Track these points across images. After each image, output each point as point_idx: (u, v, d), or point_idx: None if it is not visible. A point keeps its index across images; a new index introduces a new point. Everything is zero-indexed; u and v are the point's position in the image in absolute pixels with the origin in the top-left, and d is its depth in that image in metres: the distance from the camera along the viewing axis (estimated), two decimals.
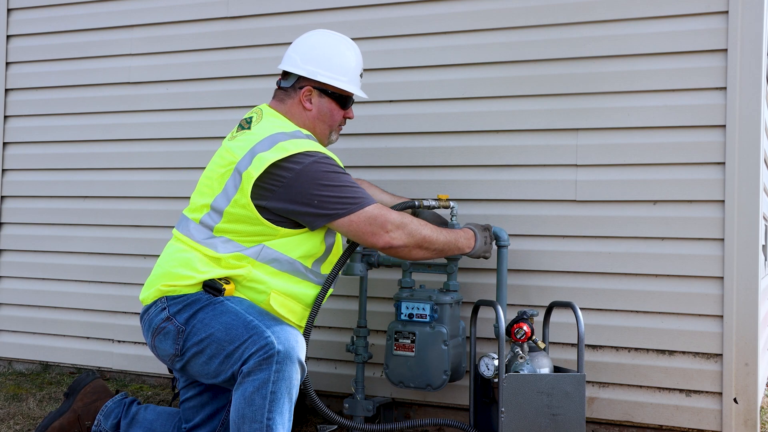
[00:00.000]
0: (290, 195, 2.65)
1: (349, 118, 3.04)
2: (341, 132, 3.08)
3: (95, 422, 2.97)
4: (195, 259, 2.70)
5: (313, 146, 2.73)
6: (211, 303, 2.63)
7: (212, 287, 2.65)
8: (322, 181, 2.66)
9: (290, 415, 2.53)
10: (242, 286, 2.69)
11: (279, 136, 2.71)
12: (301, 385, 3.31)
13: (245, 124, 2.84)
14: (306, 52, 2.92)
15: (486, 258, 3.05)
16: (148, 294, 2.75)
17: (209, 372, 2.62)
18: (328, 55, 2.92)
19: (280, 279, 2.71)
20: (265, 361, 2.45)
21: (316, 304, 2.82)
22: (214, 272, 2.66)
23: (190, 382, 2.90)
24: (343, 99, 2.95)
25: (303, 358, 2.55)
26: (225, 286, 2.65)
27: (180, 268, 2.71)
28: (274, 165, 2.64)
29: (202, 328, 2.59)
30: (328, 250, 2.82)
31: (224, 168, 2.73)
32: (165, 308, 2.68)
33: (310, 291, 2.80)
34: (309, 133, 2.87)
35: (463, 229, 2.97)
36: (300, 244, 2.72)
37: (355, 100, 3.04)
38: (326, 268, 2.85)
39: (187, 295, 2.67)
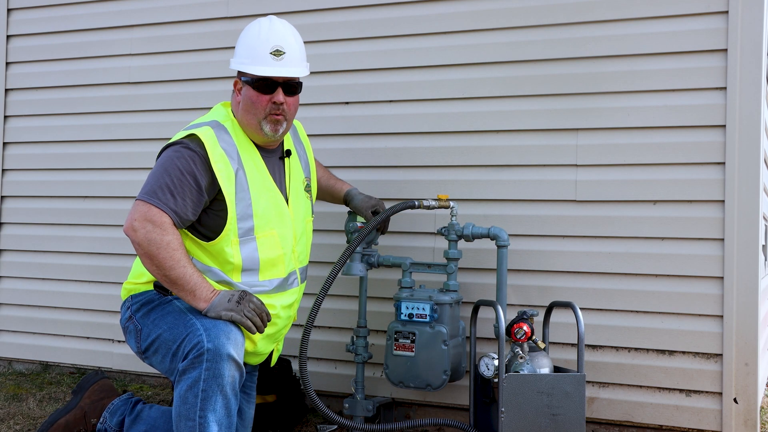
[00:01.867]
0: None
1: (277, 102, 2.74)
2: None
3: (101, 419, 2.99)
4: None
5: (187, 134, 2.66)
6: (161, 303, 2.69)
7: (159, 286, 2.70)
8: (154, 167, 2.66)
9: (227, 411, 2.52)
10: None
11: (180, 132, 2.73)
12: (300, 385, 3.32)
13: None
14: (237, 40, 2.86)
15: (239, 322, 2.57)
16: (121, 292, 2.85)
17: (166, 370, 2.68)
18: (241, 40, 2.82)
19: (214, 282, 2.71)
20: (197, 359, 2.48)
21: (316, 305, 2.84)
22: None
23: None
24: (262, 83, 2.72)
25: (235, 354, 2.52)
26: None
27: (139, 266, 2.77)
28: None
29: (153, 329, 2.65)
30: (248, 262, 2.70)
31: None
32: (129, 307, 2.76)
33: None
34: (223, 121, 2.75)
35: (212, 291, 2.61)
36: (206, 254, 2.69)
37: (287, 81, 2.76)
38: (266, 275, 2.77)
39: (144, 294, 2.74)
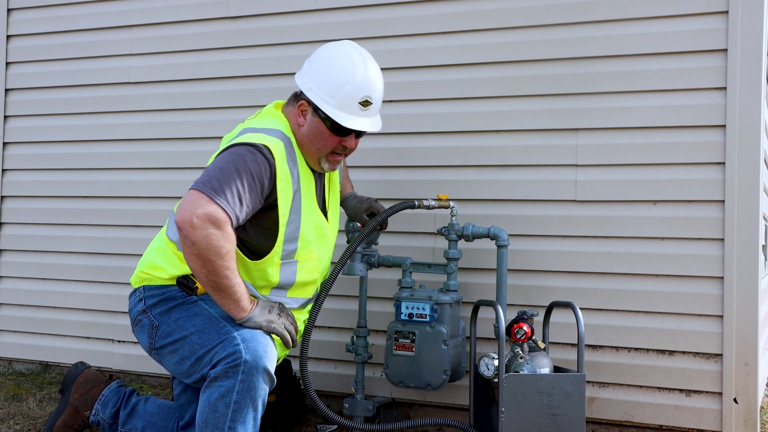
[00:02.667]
0: None
1: (348, 147, 2.71)
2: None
3: (93, 411, 2.95)
4: (172, 253, 2.65)
5: (260, 141, 2.50)
6: (186, 302, 2.60)
7: (185, 285, 2.59)
8: (220, 159, 2.49)
9: (255, 423, 2.49)
10: None
11: (251, 130, 2.57)
12: (300, 385, 3.32)
13: (246, 119, 2.80)
14: (314, 62, 2.69)
15: (279, 334, 2.57)
16: (133, 277, 2.74)
17: (181, 371, 2.61)
18: (328, 71, 2.63)
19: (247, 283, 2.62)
20: (232, 369, 2.42)
21: (317, 305, 2.83)
22: (187, 268, 2.59)
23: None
24: (337, 124, 2.62)
25: (272, 368, 2.50)
26: (198, 284, 2.57)
27: (159, 258, 2.67)
28: (223, 149, 2.54)
29: (176, 329, 2.57)
30: (284, 282, 2.65)
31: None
32: (142, 299, 2.66)
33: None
34: (291, 137, 2.64)
35: (252, 300, 2.56)
36: (245, 269, 2.60)
37: (362, 132, 2.71)
38: (294, 292, 2.72)
39: (163, 288, 2.63)
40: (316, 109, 2.62)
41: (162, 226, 4.06)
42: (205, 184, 2.39)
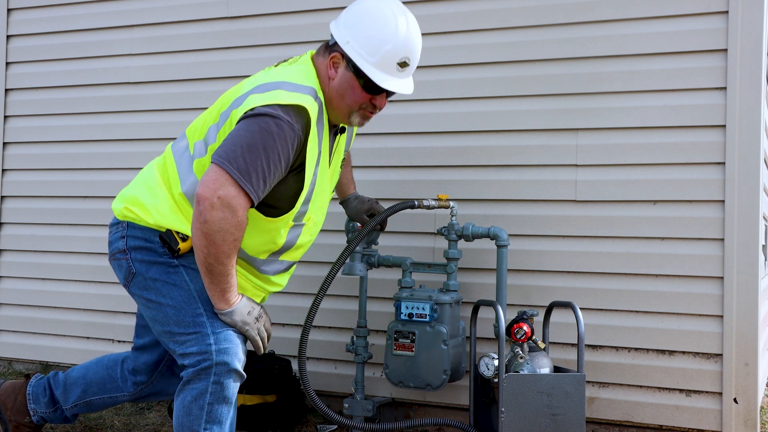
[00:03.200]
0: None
1: (378, 106, 2.60)
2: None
3: (31, 413, 2.92)
4: (163, 197, 2.55)
5: (293, 103, 2.38)
6: (167, 264, 2.51)
7: (168, 243, 2.49)
8: (247, 132, 2.36)
9: (231, 419, 2.50)
10: None
11: (285, 85, 2.42)
12: (301, 385, 3.32)
13: (278, 62, 2.65)
14: (354, 14, 2.54)
15: (250, 337, 2.52)
16: (115, 207, 2.63)
17: (151, 326, 2.59)
18: (369, 26, 2.49)
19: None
20: (204, 371, 2.42)
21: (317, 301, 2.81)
22: (174, 220, 2.52)
23: None
24: (371, 82, 2.51)
25: (241, 368, 2.48)
26: (181, 244, 2.49)
27: (147, 197, 2.56)
28: (251, 110, 2.39)
29: (153, 289, 2.52)
30: (287, 245, 2.59)
31: (229, 97, 2.53)
32: (124, 237, 2.56)
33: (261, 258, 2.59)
34: (321, 96, 2.52)
35: (237, 294, 2.49)
36: (254, 229, 2.50)
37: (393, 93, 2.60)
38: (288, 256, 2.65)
39: (147, 233, 2.53)
40: (350, 63, 2.50)
41: None
42: (231, 162, 2.31)
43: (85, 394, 2.90)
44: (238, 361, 2.46)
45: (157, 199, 2.56)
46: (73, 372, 2.91)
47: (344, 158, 2.88)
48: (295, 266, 2.79)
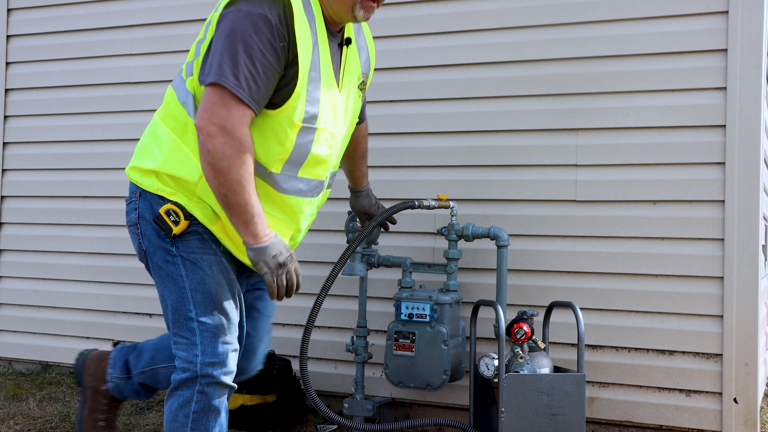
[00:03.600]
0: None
1: None
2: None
3: (107, 378, 2.85)
4: (164, 135, 2.43)
5: None
6: (167, 251, 2.40)
7: (161, 226, 2.37)
8: (218, 39, 2.24)
9: (219, 424, 2.44)
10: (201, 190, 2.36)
11: None
12: (300, 385, 3.31)
13: None
14: None
15: (266, 280, 2.31)
16: (127, 168, 2.53)
17: (162, 307, 2.49)
18: None
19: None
20: (189, 381, 2.37)
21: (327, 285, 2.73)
22: (173, 162, 2.37)
23: None
24: None
25: (229, 380, 2.41)
26: (174, 228, 2.35)
27: (153, 146, 2.46)
28: (223, 10, 2.26)
29: (157, 275, 2.45)
30: (297, 152, 2.38)
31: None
32: (137, 209, 2.47)
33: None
34: None
35: (267, 228, 2.30)
36: (258, 131, 2.32)
37: None
38: (303, 171, 2.43)
39: (153, 206, 2.40)
40: None
41: None
42: (217, 76, 2.21)
43: (153, 360, 2.79)
44: (225, 375, 2.40)
45: (157, 140, 2.45)
46: (151, 339, 2.83)
47: (363, 109, 2.71)
48: (321, 201, 2.57)
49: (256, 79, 2.22)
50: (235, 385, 2.46)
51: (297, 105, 2.30)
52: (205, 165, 2.23)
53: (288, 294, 2.35)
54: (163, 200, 2.38)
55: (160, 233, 2.40)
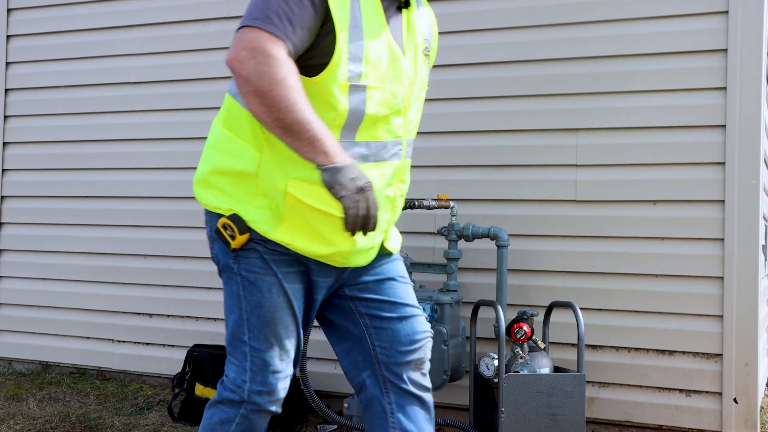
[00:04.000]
0: None
1: None
2: None
3: None
4: (216, 135, 2.26)
5: None
6: (230, 268, 2.22)
7: (223, 239, 2.18)
8: None
9: None
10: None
11: None
12: (300, 385, 3.32)
13: None
14: None
15: (344, 205, 2.02)
16: (193, 184, 2.31)
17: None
18: None
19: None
20: (236, 402, 2.25)
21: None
22: (225, 160, 2.20)
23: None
24: None
25: (276, 408, 2.27)
26: (231, 243, 2.16)
27: (209, 149, 2.26)
28: None
29: (223, 289, 2.28)
30: (353, 115, 2.18)
31: None
32: (208, 222, 2.26)
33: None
34: None
35: (342, 151, 2.05)
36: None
37: None
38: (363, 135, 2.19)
39: (213, 222, 2.21)
40: None
41: (161, 227, 4.08)
42: (246, 19, 2.07)
43: None
44: (272, 403, 2.27)
45: (212, 140, 2.28)
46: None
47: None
48: (397, 173, 2.34)
49: (290, 18, 2.07)
50: (279, 411, 2.30)
51: (340, 63, 2.13)
52: (247, 98, 2.03)
53: (365, 228, 2.05)
54: (220, 215, 2.20)
55: (224, 249, 2.22)
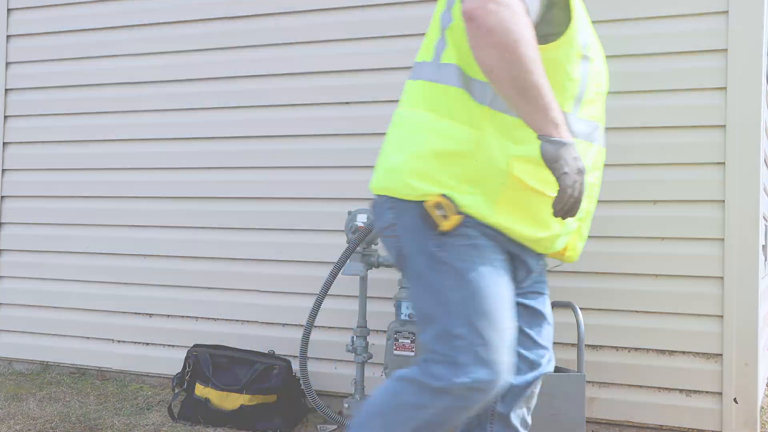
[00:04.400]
0: None
1: None
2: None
3: None
4: (414, 120, 2.09)
5: None
6: (432, 256, 1.97)
7: (429, 220, 1.95)
8: None
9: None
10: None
11: None
12: (300, 385, 3.32)
13: None
14: None
15: (563, 183, 1.83)
16: (373, 183, 2.13)
17: (416, 316, 2.07)
18: None
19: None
20: (442, 392, 1.90)
21: None
22: (434, 141, 2.00)
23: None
24: None
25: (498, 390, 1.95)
26: (444, 223, 1.93)
27: (405, 137, 2.10)
28: None
29: (416, 282, 2.02)
30: (580, 87, 2.04)
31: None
32: (392, 208, 2.03)
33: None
34: None
35: (563, 117, 1.87)
36: None
37: None
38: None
39: (413, 206, 1.97)
40: None
41: (161, 227, 4.08)
42: None
43: None
44: (510, 372, 1.98)
45: (408, 127, 2.12)
46: None
47: None
48: (597, 161, 2.23)
49: None
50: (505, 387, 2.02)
51: (574, 33, 1.99)
52: (485, 50, 1.84)
53: (572, 211, 1.88)
54: (418, 202, 1.97)
55: (426, 234, 1.97)
